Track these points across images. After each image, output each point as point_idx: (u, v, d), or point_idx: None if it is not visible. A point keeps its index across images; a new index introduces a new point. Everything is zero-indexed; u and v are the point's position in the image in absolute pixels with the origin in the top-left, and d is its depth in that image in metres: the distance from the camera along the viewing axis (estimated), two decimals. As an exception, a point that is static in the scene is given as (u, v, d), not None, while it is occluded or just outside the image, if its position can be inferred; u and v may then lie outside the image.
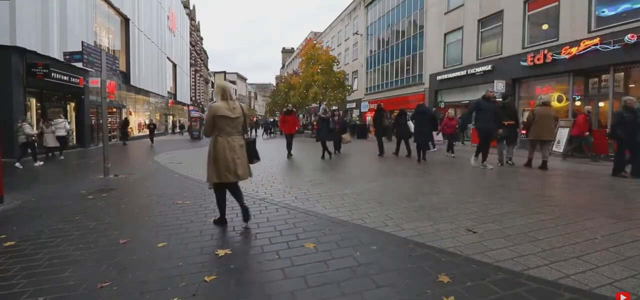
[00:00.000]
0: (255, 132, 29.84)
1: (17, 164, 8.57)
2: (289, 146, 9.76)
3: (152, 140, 18.05)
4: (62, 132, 10.55)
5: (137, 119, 23.06)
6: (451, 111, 11.65)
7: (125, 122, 17.96)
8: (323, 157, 9.04)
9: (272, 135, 25.08)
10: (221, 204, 3.31)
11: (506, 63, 14.53)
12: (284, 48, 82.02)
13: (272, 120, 29.81)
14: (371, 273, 2.23)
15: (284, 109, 12.13)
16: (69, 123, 12.51)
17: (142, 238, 3.03)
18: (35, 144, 9.43)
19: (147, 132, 19.82)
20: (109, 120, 15.39)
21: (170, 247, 2.78)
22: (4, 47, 10.18)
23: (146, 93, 23.83)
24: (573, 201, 4.23)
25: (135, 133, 21.84)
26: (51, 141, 10.17)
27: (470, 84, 17.06)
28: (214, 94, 3.01)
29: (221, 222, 3.33)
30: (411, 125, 9.49)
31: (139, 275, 2.27)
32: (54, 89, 12.54)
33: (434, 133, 9.71)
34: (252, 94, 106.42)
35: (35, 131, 9.70)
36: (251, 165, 3.37)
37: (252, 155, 3.41)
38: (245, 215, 3.28)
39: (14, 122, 9.43)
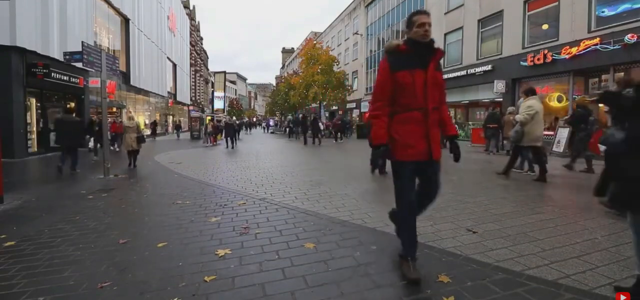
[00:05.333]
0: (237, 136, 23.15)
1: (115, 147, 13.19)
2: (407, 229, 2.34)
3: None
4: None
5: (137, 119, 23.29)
6: None
7: (154, 124, 21.61)
8: (227, 146, 13.51)
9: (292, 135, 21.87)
10: (130, 161, 7.99)
11: (506, 63, 14.53)
12: (284, 48, 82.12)
13: (273, 120, 28.06)
14: (371, 273, 2.23)
15: (392, 45, 2.30)
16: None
17: (142, 238, 3.03)
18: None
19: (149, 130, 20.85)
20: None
21: (170, 247, 2.78)
22: (4, 47, 10.16)
23: (146, 93, 23.80)
24: (573, 201, 4.22)
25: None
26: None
27: (470, 84, 17.06)
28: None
29: (129, 168, 7.74)
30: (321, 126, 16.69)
31: (139, 275, 2.27)
32: (54, 89, 12.52)
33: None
34: (252, 94, 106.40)
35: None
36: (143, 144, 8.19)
37: (140, 141, 7.98)
38: (133, 164, 7.98)
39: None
